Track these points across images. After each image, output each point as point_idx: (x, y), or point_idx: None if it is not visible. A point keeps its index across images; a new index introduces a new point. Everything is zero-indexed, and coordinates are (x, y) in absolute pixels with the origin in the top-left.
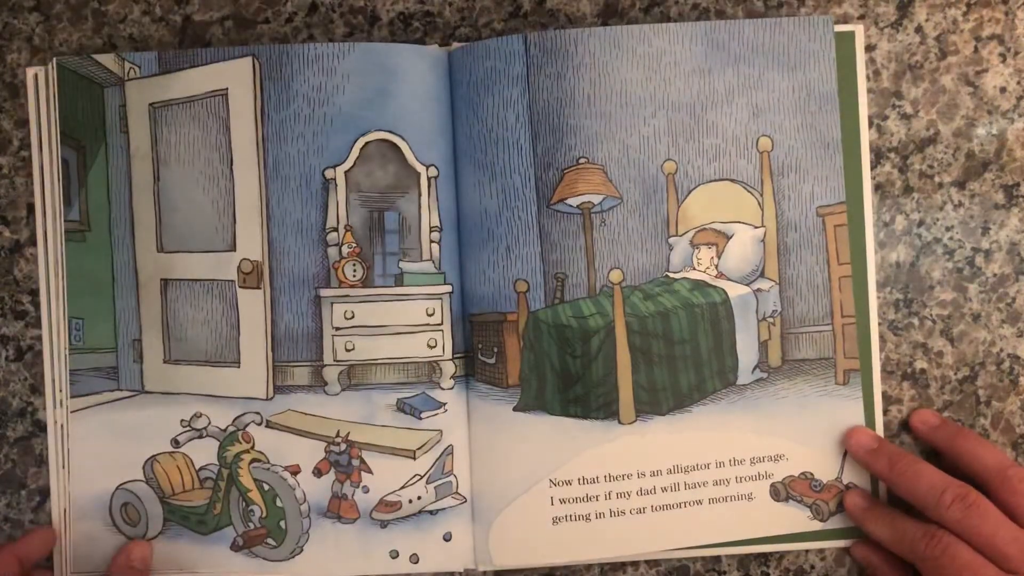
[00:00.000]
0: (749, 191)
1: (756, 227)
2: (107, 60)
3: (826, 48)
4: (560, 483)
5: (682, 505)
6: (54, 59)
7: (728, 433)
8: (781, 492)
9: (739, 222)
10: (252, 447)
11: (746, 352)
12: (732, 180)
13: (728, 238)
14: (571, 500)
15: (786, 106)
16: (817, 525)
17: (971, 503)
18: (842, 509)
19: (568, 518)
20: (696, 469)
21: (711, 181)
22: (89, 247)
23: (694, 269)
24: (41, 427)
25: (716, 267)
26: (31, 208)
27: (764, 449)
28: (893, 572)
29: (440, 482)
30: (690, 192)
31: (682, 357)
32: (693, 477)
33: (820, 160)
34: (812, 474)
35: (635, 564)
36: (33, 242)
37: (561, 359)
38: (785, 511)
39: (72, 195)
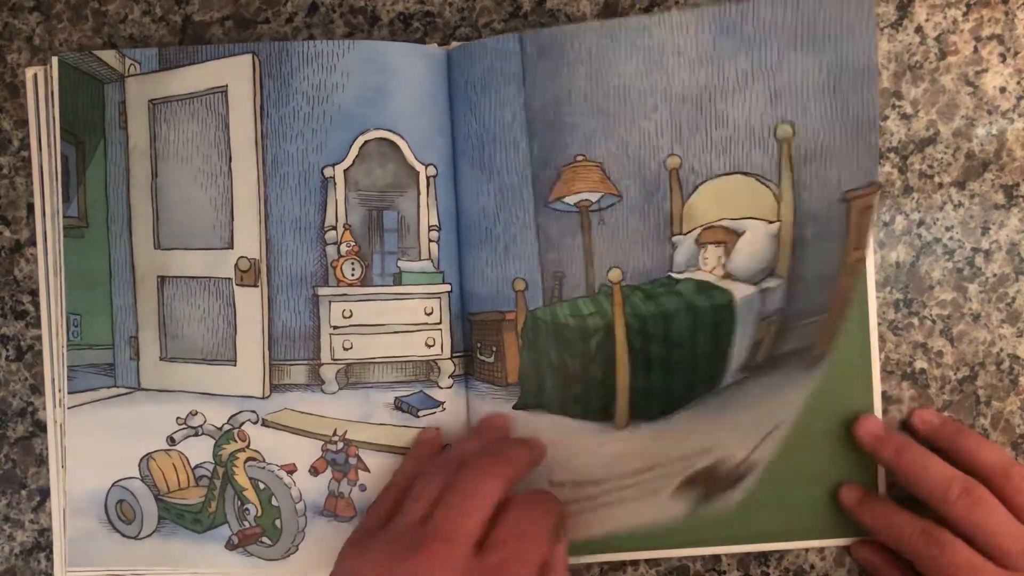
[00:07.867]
0: (764, 183)
1: (770, 222)
2: (108, 56)
3: (864, 16)
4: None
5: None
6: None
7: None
8: None
9: (751, 218)
10: (248, 446)
11: (740, 354)
12: (745, 173)
13: (738, 235)
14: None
15: (811, 87)
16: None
17: (977, 498)
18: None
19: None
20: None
21: (720, 175)
22: (87, 243)
23: (699, 269)
24: (41, 427)
25: (723, 267)
26: (31, 208)
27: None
28: (894, 572)
29: None
30: (696, 188)
31: (680, 359)
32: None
33: (851, 141)
34: None
35: (635, 564)
36: (33, 242)
37: (560, 358)
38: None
39: (71, 191)
